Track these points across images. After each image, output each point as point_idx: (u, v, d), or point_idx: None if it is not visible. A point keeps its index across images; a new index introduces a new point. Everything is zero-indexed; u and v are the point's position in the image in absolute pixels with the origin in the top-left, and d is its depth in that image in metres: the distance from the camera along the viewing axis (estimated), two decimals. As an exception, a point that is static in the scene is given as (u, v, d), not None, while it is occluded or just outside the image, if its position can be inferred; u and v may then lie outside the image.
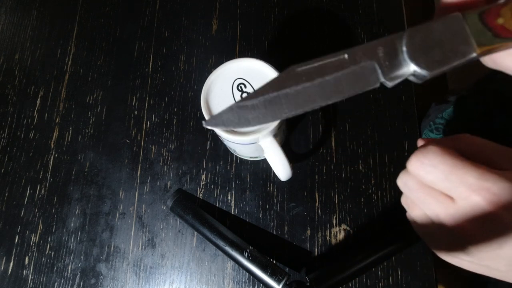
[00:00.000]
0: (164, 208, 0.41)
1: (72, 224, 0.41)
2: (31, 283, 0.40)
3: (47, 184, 0.42)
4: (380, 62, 0.15)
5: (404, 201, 0.24)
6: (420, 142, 0.22)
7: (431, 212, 0.21)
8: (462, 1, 0.17)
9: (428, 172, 0.19)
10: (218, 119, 0.17)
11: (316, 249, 0.38)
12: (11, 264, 0.40)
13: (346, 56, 0.15)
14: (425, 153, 0.19)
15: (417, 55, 0.14)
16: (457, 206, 0.19)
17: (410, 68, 0.15)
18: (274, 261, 0.38)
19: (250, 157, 0.41)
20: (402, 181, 0.22)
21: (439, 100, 0.54)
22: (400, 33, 0.15)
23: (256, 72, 0.32)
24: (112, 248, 0.40)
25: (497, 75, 0.50)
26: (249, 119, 0.16)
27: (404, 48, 0.14)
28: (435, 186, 0.20)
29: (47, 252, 0.40)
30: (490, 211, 0.18)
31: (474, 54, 0.14)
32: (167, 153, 0.43)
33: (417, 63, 0.14)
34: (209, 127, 0.18)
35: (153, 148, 0.43)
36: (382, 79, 0.15)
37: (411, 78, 0.15)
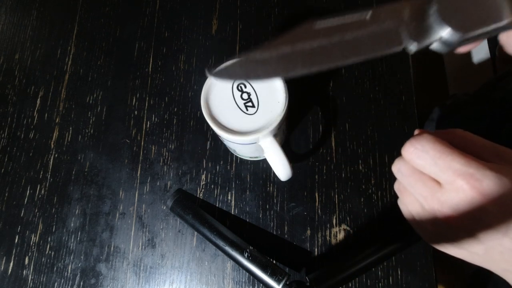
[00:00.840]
0: (164, 208, 0.41)
1: (72, 224, 0.41)
2: (31, 283, 0.40)
3: (47, 184, 0.42)
4: (405, 24, 0.14)
5: (397, 186, 0.26)
6: (416, 132, 0.23)
7: (420, 196, 0.22)
8: None
9: (419, 157, 0.21)
10: (224, 71, 0.16)
11: (316, 249, 0.38)
12: (11, 264, 0.40)
13: (368, 15, 0.14)
14: (419, 139, 0.21)
15: (449, 16, 0.12)
16: (443, 190, 0.20)
17: (440, 31, 0.13)
18: (274, 261, 0.38)
19: (250, 157, 0.41)
20: (396, 167, 0.24)
21: (441, 105, 0.54)
22: None
23: (256, 72, 0.32)
24: (112, 248, 0.40)
25: (500, 83, 0.49)
26: (258, 73, 0.15)
27: (435, 7, 0.13)
28: (425, 170, 0.21)
29: (47, 252, 0.40)
30: (473, 196, 0.19)
31: (506, 21, 0.12)
32: (167, 153, 0.43)
33: (450, 24, 0.12)
34: (213, 78, 0.16)
35: (153, 148, 0.43)
36: (406, 43, 0.14)
37: (436, 46, 0.13)
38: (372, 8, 0.14)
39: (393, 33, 0.14)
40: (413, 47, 0.14)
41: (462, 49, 0.16)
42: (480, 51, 0.80)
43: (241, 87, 0.32)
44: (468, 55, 0.83)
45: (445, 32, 0.12)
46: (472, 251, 0.21)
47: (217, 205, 0.40)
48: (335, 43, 0.14)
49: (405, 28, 0.14)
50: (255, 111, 0.31)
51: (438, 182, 0.21)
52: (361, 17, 0.14)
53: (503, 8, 0.12)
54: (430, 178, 0.21)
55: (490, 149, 0.21)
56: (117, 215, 0.41)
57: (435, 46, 0.14)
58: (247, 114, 0.31)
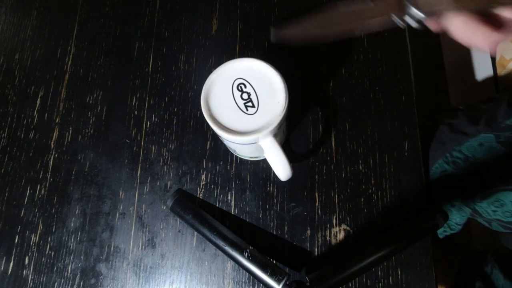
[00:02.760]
0: (164, 208, 0.41)
1: (72, 224, 0.41)
2: (31, 283, 0.40)
3: (47, 184, 0.42)
4: (393, 6, 0.20)
5: None
6: None
7: None
8: None
9: None
10: (281, 31, 0.24)
11: (316, 249, 0.38)
12: (11, 264, 0.40)
13: (371, 4, 0.21)
14: None
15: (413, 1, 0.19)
16: None
17: (410, 10, 0.20)
18: (274, 261, 0.38)
19: (250, 157, 0.41)
20: None
21: (449, 125, 0.50)
22: None
23: (256, 72, 0.32)
24: (112, 248, 0.40)
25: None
26: (310, 32, 0.22)
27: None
28: None
29: (47, 252, 0.40)
30: None
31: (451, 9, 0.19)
32: (167, 153, 0.43)
33: (413, 5, 0.19)
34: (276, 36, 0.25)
35: (153, 148, 0.43)
36: (392, 18, 0.20)
37: (409, 21, 0.20)
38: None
39: (384, 12, 0.21)
40: (396, 20, 0.21)
41: (433, 27, 0.21)
42: (480, 57, 0.79)
43: (241, 87, 0.32)
44: (469, 60, 0.82)
45: (412, 10, 0.19)
46: None
47: (217, 205, 0.40)
48: (352, 13, 0.22)
49: (393, 9, 0.21)
50: (255, 111, 0.31)
51: None
52: (368, 3, 0.21)
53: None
54: None
55: None
56: (117, 215, 0.41)
57: (409, 21, 0.20)
58: (247, 114, 0.31)
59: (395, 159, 0.40)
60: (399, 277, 0.37)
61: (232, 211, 0.40)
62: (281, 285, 0.33)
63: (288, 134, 0.42)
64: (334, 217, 0.39)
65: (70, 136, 0.44)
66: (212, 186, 0.41)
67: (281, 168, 0.32)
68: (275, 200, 0.40)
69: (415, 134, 0.41)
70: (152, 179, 0.42)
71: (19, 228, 0.41)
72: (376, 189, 0.40)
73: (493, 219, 0.40)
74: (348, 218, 0.39)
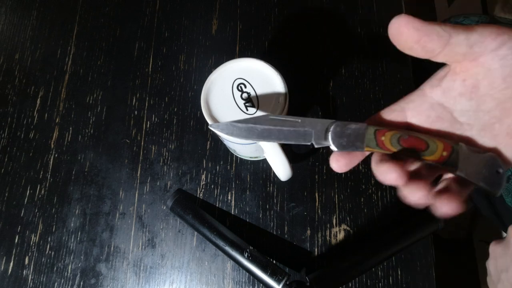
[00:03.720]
0: (164, 208, 0.41)
1: (72, 224, 0.41)
2: (31, 283, 0.40)
3: (47, 184, 0.42)
4: (316, 133, 0.24)
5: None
6: None
7: None
8: (380, 121, 0.25)
9: None
10: (216, 126, 0.27)
11: (316, 249, 0.38)
12: (11, 264, 0.40)
13: (299, 120, 0.24)
14: None
15: (334, 139, 0.23)
16: None
17: (329, 143, 0.24)
18: (274, 261, 0.38)
19: (250, 157, 0.41)
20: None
21: None
22: (333, 121, 0.24)
23: (256, 72, 0.32)
24: (112, 248, 0.40)
25: None
26: (233, 133, 0.26)
27: (330, 132, 0.24)
28: None
29: (47, 252, 0.40)
30: None
31: (362, 150, 0.23)
32: (167, 153, 0.43)
33: (333, 143, 0.23)
34: (212, 129, 0.27)
35: (153, 148, 0.43)
36: (313, 141, 0.24)
37: (331, 148, 0.24)
38: (303, 118, 0.25)
39: (309, 134, 0.24)
40: (316, 145, 0.24)
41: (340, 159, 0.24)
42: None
43: (241, 87, 0.32)
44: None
45: (331, 145, 0.23)
46: None
47: (217, 205, 0.40)
48: (276, 129, 0.25)
49: (315, 134, 0.24)
50: (255, 111, 0.31)
51: None
52: (296, 120, 0.24)
53: (362, 143, 0.23)
54: None
55: None
56: (117, 215, 0.41)
57: (331, 147, 0.24)
58: (247, 114, 0.31)
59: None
60: (399, 277, 0.37)
61: (232, 211, 0.40)
62: (281, 285, 0.33)
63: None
64: (334, 217, 0.39)
65: (70, 136, 0.44)
66: (212, 186, 0.41)
67: (281, 168, 0.32)
68: (275, 200, 0.40)
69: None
70: (152, 179, 0.42)
71: (19, 228, 0.41)
72: (376, 189, 0.40)
73: None
74: (348, 218, 0.39)
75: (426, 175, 0.23)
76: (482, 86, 0.20)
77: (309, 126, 0.24)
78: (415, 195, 0.20)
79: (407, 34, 0.20)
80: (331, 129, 0.24)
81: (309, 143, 0.24)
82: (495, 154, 0.21)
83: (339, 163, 0.24)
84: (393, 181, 0.21)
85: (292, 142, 0.24)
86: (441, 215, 0.20)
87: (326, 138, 0.24)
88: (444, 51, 0.19)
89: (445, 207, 0.20)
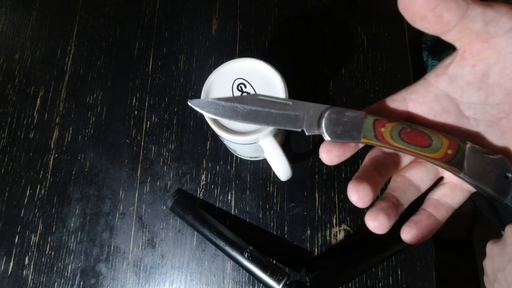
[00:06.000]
0: (164, 208, 0.41)
1: (72, 224, 0.41)
2: (31, 283, 0.40)
3: (47, 184, 0.42)
4: (308, 118, 0.21)
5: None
6: None
7: None
8: (380, 111, 0.22)
9: None
10: (197, 102, 0.25)
11: (316, 249, 0.38)
12: (11, 264, 0.40)
13: (290, 103, 0.22)
14: None
15: (328, 126, 0.21)
16: None
17: (322, 131, 0.21)
18: (274, 261, 0.38)
19: (250, 157, 0.41)
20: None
21: None
22: (328, 106, 0.21)
23: (256, 72, 0.32)
24: (112, 248, 0.40)
25: None
26: (216, 112, 0.24)
27: (324, 118, 0.21)
28: None
29: (47, 252, 0.40)
30: None
31: (358, 141, 0.21)
32: (167, 153, 0.43)
33: (326, 131, 0.21)
34: (190, 104, 0.26)
35: (153, 148, 0.43)
36: (304, 128, 0.21)
37: (324, 137, 0.21)
38: (294, 100, 0.22)
39: (300, 120, 0.21)
40: (307, 132, 0.21)
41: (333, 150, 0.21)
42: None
43: (241, 87, 0.32)
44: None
45: (324, 134, 0.21)
46: None
47: (217, 205, 0.40)
48: (264, 111, 0.22)
49: (307, 120, 0.21)
50: (255, 111, 0.31)
51: None
52: (286, 102, 0.22)
53: (359, 133, 0.20)
54: None
55: None
56: (117, 215, 0.41)
57: (323, 136, 0.21)
58: (247, 114, 0.31)
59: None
60: (399, 277, 0.37)
61: (232, 211, 0.40)
62: (281, 285, 0.33)
63: (288, 134, 0.42)
64: (334, 217, 0.39)
65: (70, 136, 0.44)
66: (212, 186, 0.41)
67: (281, 168, 0.32)
68: (275, 200, 0.40)
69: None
70: (152, 179, 0.42)
71: (19, 228, 0.41)
72: (376, 189, 0.40)
73: None
74: (348, 218, 0.39)
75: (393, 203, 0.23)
76: (492, 73, 0.19)
77: (301, 111, 0.21)
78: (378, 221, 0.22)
79: (423, 0, 0.18)
80: (326, 115, 0.21)
81: (299, 129, 0.22)
82: (504, 156, 0.19)
83: (331, 154, 0.21)
84: (360, 204, 0.22)
85: (281, 127, 0.22)
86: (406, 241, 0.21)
87: (319, 125, 0.21)
88: (458, 25, 0.18)
89: (409, 236, 0.21)
